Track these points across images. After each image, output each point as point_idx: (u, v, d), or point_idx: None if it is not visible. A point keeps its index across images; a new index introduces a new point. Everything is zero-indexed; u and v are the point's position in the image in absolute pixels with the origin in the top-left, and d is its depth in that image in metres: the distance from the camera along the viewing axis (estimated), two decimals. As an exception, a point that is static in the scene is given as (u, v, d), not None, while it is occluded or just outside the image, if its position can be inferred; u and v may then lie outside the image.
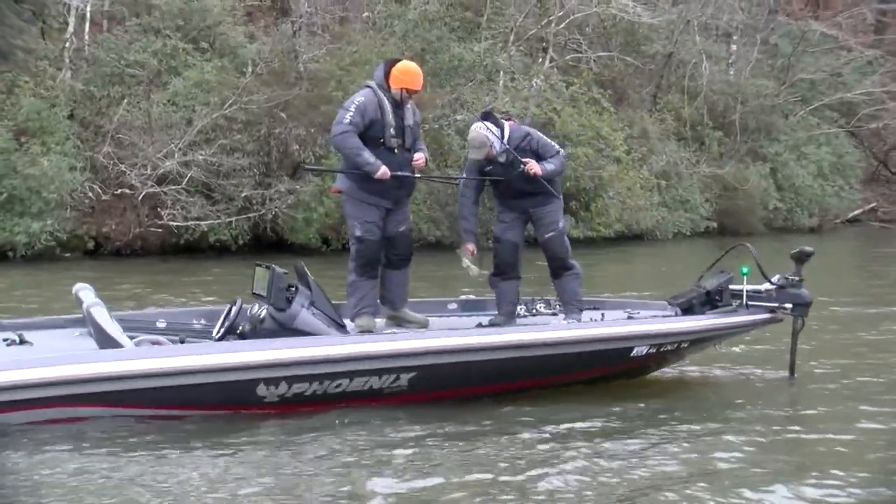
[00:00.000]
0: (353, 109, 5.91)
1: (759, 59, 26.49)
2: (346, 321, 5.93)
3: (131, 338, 5.45)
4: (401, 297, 6.28)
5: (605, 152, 20.09)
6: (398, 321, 6.26)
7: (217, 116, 15.74)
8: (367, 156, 5.86)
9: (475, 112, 16.88)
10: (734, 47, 26.42)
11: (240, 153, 16.03)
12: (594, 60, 21.43)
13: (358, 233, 6.00)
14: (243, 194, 15.85)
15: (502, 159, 6.22)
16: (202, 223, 15.53)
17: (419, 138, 6.27)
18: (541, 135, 6.43)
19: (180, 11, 17.01)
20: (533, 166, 6.13)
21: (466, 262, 6.40)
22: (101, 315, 5.45)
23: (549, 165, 6.21)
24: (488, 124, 6.23)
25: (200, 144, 15.64)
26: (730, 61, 26.20)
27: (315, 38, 17.93)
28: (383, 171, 5.88)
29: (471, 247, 6.35)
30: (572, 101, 20.03)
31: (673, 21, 23.40)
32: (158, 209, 15.41)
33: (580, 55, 21.34)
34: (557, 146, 6.44)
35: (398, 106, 6.03)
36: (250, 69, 16.41)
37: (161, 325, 6.12)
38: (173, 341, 5.65)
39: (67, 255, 15.02)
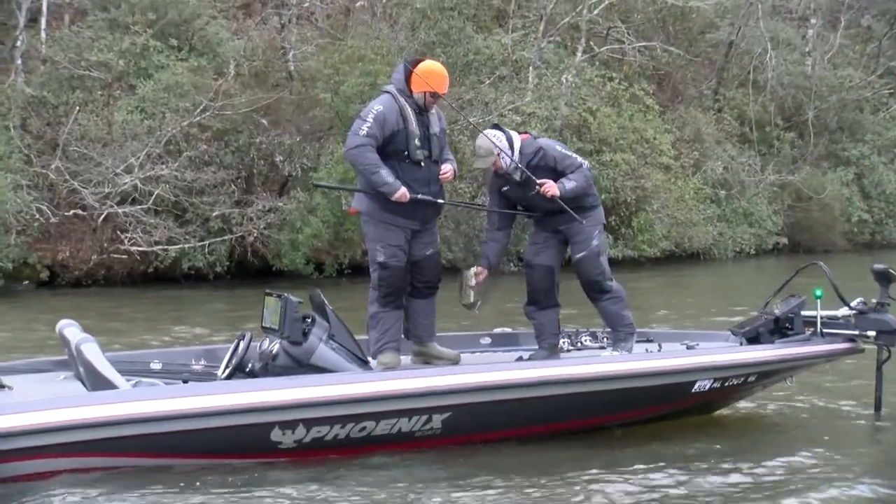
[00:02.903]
0: (370, 119, 6.19)
1: (844, 45, 26.52)
2: (368, 359, 6.29)
3: (127, 381, 5.77)
4: (428, 329, 6.62)
5: (649, 158, 20.55)
6: (426, 357, 6.60)
7: (188, 124, 16.30)
8: (385, 174, 6.15)
9: (495, 112, 17.44)
10: (811, 32, 26.61)
11: (215, 166, 16.60)
12: (638, 52, 21.83)
13: (381, 258, 6.30)
14: (215, 213, 16.39)
15: (517, 177, 6.63)
16: (170, 248, 16.06)
17: (446, 147, 6.62)
18: (558, 148, 6.79)
19: (152, 2, 17.53)
20: (549, 187, 6.50)
21: (468, 287, 6.70)
22: (93, 352, 5.78)
23: (570, 183, 6.55)
24: (496, 132, 6.66)
25: (167, 158, 16.16)
26: (806, 49, 26.35)
27: (307, 32, 18.47)
28: (402, 192, 6.15)
29: (476, 270, 6.73)
30: (611, 100, 20.51)
31: (737, 3, 23.69)
32: (121, 233, 15.96)
33: (621, 45, 21.77)
34: (579, 159, 6.80)
35: (422, 112, 6.35)
36: (232, 69, 16.97)
37: (156, 367, 6.46)
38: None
39: (26, 283, 15.60)
